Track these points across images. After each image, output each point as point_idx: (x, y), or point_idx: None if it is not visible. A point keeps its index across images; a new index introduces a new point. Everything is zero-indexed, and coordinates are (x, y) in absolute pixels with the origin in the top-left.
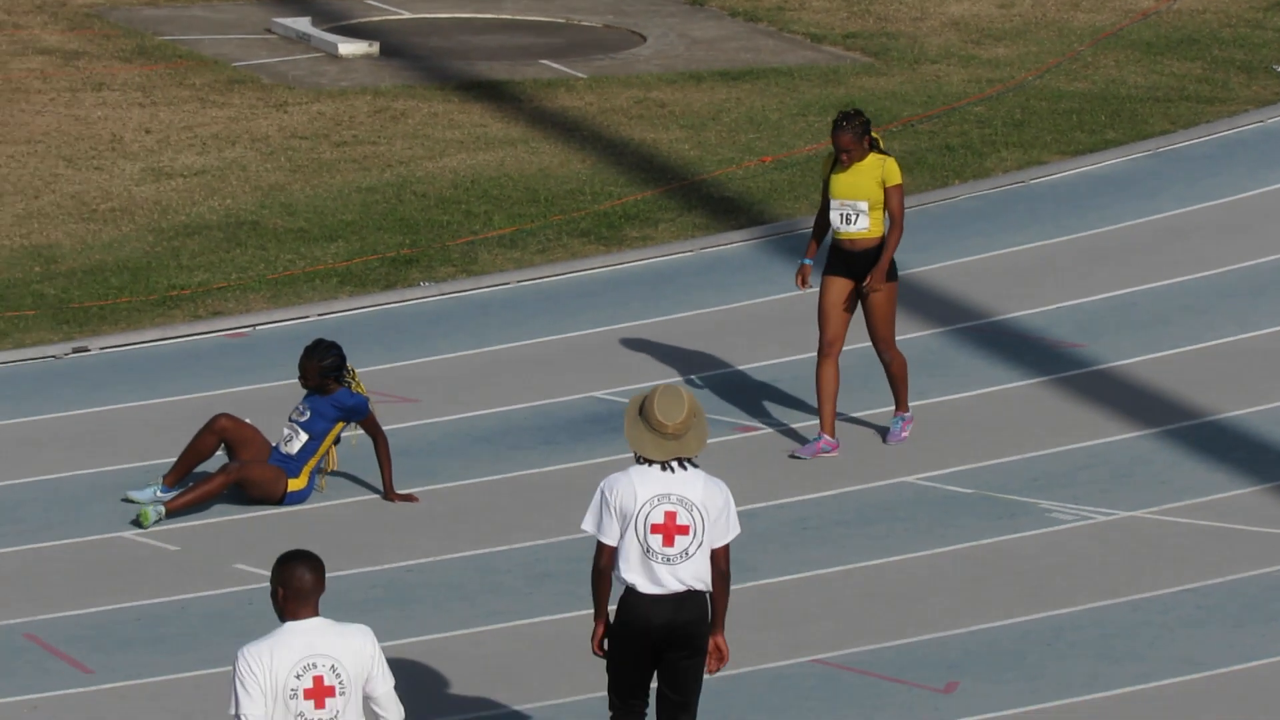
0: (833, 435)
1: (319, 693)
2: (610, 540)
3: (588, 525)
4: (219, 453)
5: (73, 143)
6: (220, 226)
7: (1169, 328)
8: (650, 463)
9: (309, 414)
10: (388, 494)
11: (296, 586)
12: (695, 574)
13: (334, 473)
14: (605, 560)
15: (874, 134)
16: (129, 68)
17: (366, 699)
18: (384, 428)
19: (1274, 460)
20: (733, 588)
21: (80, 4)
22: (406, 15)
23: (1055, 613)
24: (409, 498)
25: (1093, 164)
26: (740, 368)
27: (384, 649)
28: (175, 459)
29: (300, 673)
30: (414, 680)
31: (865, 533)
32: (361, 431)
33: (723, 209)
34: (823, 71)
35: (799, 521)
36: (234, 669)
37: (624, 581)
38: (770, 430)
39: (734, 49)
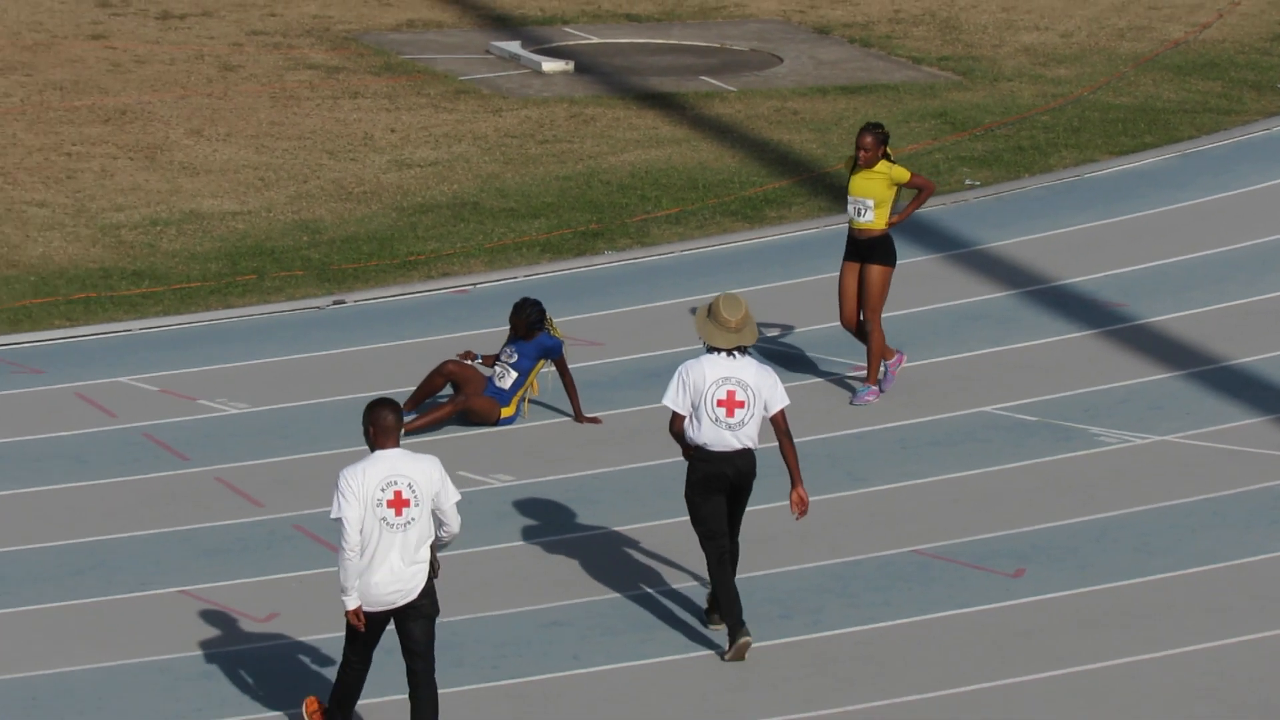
0: (875, 381)
1: (398, 503)
2: (682, 411)
3: (666, 400)
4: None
5: (333, 139)
6: (448, 206)
7: (1194, 291)
8: (717, 351)
9: (516, 356)
10: (577, 417)
11: (382, 425)
12: (749, 437)
13: (535, 400)
14: (678, 426)
15: (888, 149)
16: (378, 80)
17: (435, 511)
18: (572, 365)
19: (1277, 396)
20: (848, 493)
21: (340, 30)
22: (596, 40)
23: (1101, 515)
24: (594, 420)
25: (1134, 162)
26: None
27: (571, 540)
28: (412, 390)
29: (384, 487)
30: (596, 560)
31: (952, 451)
32: (554, 368)
33: (842, 195)
34: (921, 87)
35: (900, 442)
36: (337, 484)
37: (696, 443)
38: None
39: (852, 69)
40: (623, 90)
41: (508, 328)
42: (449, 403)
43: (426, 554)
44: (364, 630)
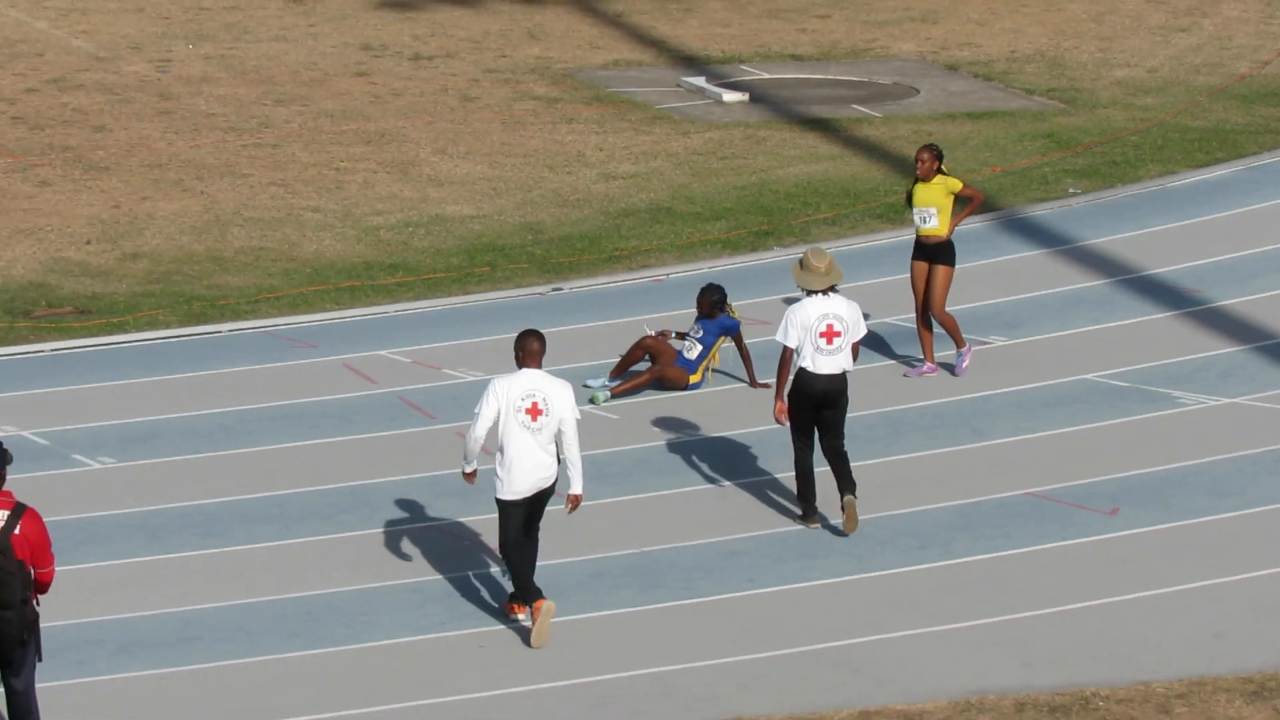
0: (932, 361)
1: (534, 411)
2: (792, 344)
3: (779, 337)
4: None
5: (552, 157)
6: (646, 211)
7: (1259, 280)
8: (813, 293)
9: (701, 332)
10: (751, 383)
11: (529, 349)
12: (843, 361)
13: (717, 370)
14: (787, 356)
15: (943, 166)
16: (589, 109)
17: (558, 431)
18: (747, 340)
19: None
20: (973, 445)
21: (559, 68)
22: (767, 75)
23: (1182, 464)
24: (765, 385)
25: (1208, 174)
26: (987, 302)
27: (747, 484)
28: (617, 361)
29: (525, 397)
30: (767, 500)
31: (1059, 410)
32: (733, 343)
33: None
34: (1032, 113)
35: (1016, 403)
36: (486, 388)
37: (801, 367)
38: (991, 344)
39: (976, 98)
40: (788, 116)
41: (695, 309)
42: (647, 371)
43: (554, 452)
44: (508, 517)
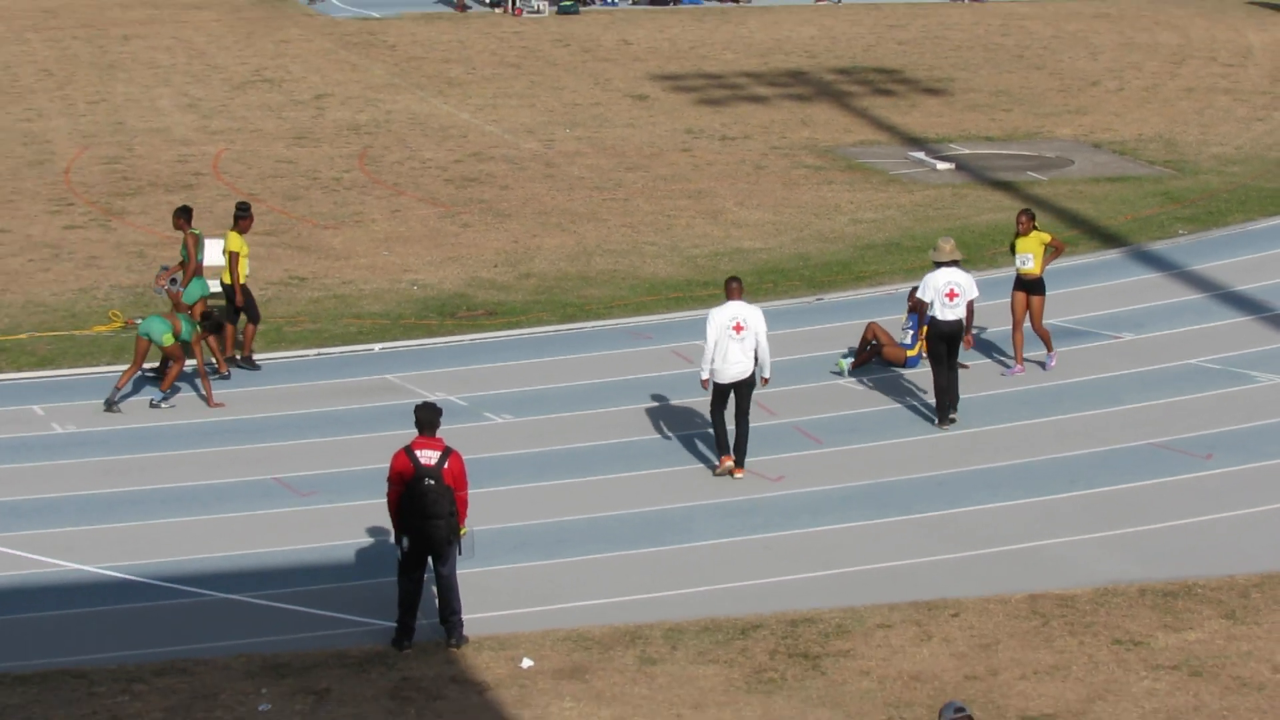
0: (1022, 364)
1: (738, 328)
2: (927, 299)
3: (920, 294)
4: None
5: (817, 207)
6: (883, 246)
7: None
8: (941, 265)
9: (911, 322)
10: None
11: (732, 288)
12: (961, 313)
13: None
14: (923, 309)
15: (1036, 222)
16: (843, 174)
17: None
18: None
19: None
20: (1108, 410)
21: (822, 145)
22: (967, 151)
23: (1258, 423)
24: (964, 366)
25: (1277, 220)
26: (1120, 309)
27: (946, 435)
28: (857, 345)
29: (731, 319)
30: (963, 446)
31: (1171, 385)
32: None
33: (1108, 239)
34: (1153, 178)
35: (1140, 380)
36: (708, 318)
37: (931, 315)
38: (1122, 338)
39: (1113, 167)
40: (981, 180)
41: (907, 305)
42: (871, 350)
43: (752, 356)
44: (718, 395)
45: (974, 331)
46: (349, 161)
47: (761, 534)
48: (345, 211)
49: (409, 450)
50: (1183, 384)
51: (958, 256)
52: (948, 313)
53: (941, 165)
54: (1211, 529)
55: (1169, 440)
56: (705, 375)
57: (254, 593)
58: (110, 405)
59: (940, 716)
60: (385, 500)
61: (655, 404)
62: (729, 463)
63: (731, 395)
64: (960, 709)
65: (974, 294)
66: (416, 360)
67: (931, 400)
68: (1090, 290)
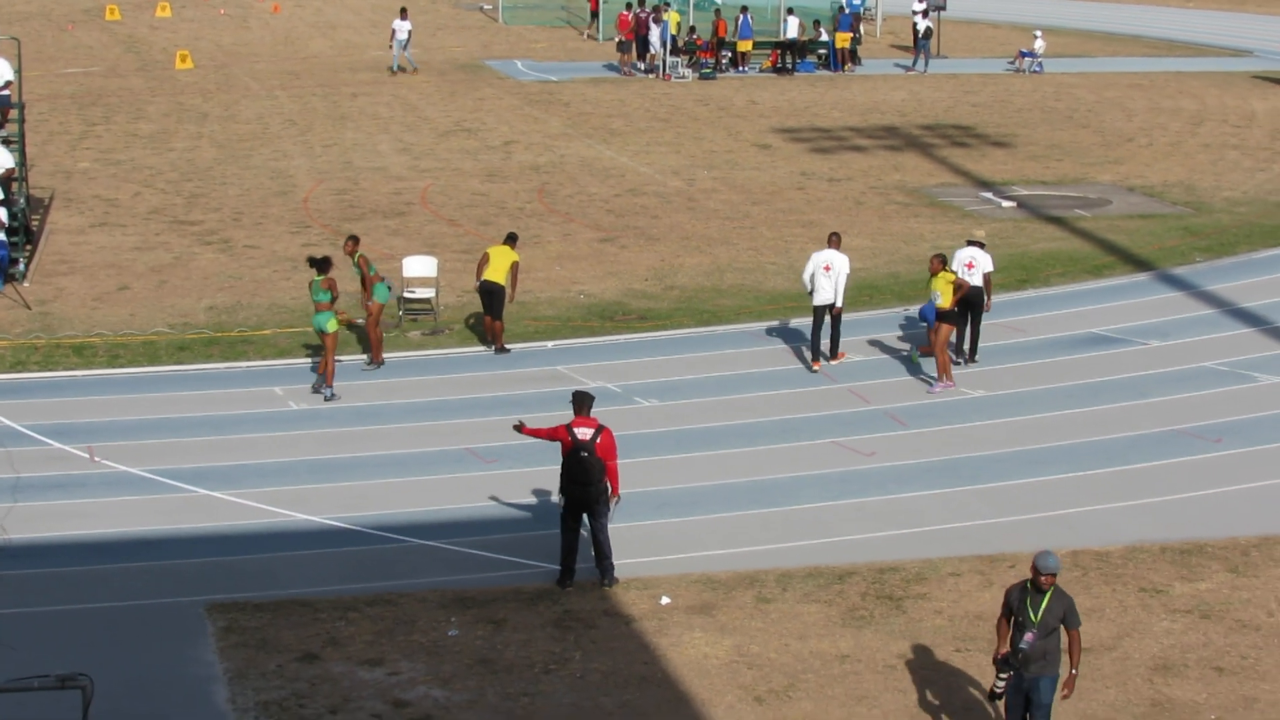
0: (948, 379)
1: (826, 268)
2: (955, 268)
3: (953, 267)
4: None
5: (906, 237)
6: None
7: None
8: (971, 243)
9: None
10: (971, 354)
11: (833, 239)
12: (978, 280)
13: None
14: (957, 281)
15: (946, 265)
16: (927, 209)
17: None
18: (1029, 337)
19: None
20: (1139, 401)
21: (910, 186)
22: (1026, 192)
23: (1260, 414)
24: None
25: (1277, 250)
26: (1147, 322)
27: (999, 425)
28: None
29: (823, 262)
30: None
31: (1188, 383)
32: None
33: (1138, 264)
34: (1176, 215)
35: (1163, 378)
36: (810, 257)
37: (964, 281)
38: (1149, 345)
39: (1144, 206)
40: (1038, 215)
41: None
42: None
43: (837, 289)
44: (815, 316)
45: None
46: (530, 195)
47: (856, 498)
48: (526, 235)
49: (568, 427)
50: (1199, 382)
51: (983, 239)
52: (968, 282)
53: (1006, 203)
54: (1220, 499)
55: (1187, 427)
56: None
57: (447, 540)
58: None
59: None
60: (556, 468)
61: (772, 392)
62: (819, 366)
63: (826, 318)
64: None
65: (988, 268)
66: (581, 355)
67: (970, 394)
68: (1124, 305)
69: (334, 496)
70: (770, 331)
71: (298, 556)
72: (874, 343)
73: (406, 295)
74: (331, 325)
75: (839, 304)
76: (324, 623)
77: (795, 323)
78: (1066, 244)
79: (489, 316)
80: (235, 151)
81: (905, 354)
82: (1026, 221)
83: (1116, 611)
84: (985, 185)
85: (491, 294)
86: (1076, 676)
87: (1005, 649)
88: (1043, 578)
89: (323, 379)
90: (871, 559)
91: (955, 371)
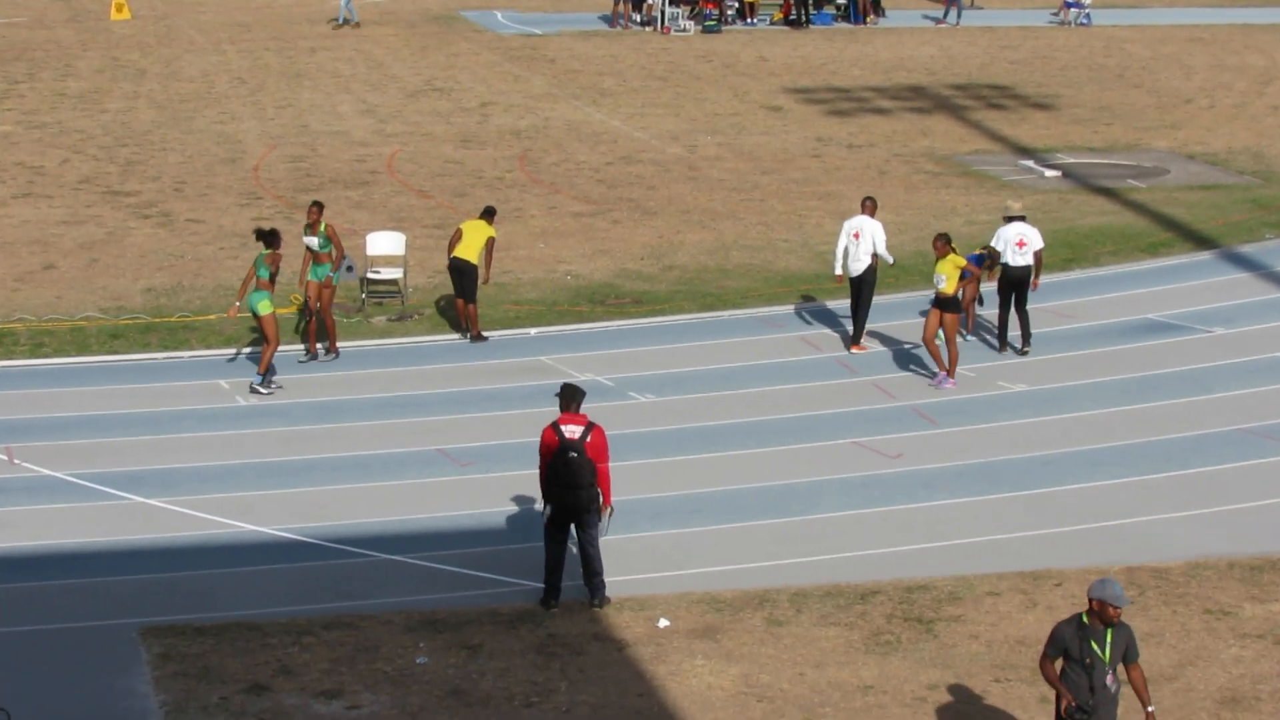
0: (943, 369)
1: (856, 236)
2: (1000, 248)
3: (994, 243)
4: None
5: (935, 210)
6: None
7: None
8: (1012, 219)
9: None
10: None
11: (867, 205)
12: (1029, 260)
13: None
14: (998, 258)
15: (952, 246)
16: (959, 179)
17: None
18: (1065, 325)
19: None
20: (1204, 397)
21: (940, 153)
22: (1072, 160)
23: None
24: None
25: None
26: (1212, 306)
27: (1052, 418)
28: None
29: (853, 229)
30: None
31: (1259, 375)
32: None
33: (1200, 241)
34: (1242, 187)
35: (1232, 371)
36: (842, 226)
37: (1005, 261)
38: (1214, 333)
39: (1205, 176)
40: (1086, 186)
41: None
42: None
43: (867, 255)
44: (852, 282)
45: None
46: (510, 163)
47: (880, 507)
48: (506, 208)
49: (555, 425)
50: (1269, 375)
51: (1024, 214)
52: (1018, 259)
53: (1049, 173)
54: (1255, 473)
55: (1256, 426)
56: (838, 273)
57: (415, 554)
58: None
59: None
60: (537, 472)
61: (784, 386)
62: (859, 349)
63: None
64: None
65: (1040, 244)
66: (568, 343)
67: (1007, 387)
68: (1184, 288)
69: (287, 504)
70: (782, 317)
71: (245, 573)
72: (900, 330)
73: (370, 276)
74: (264, 307)
75: (890, 259)
76: (274, 649)
77: (808, 307)
78: (1118, 218)
79: (460, 299)
80: (177, 113)
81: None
82: (1072, 193)
83: (1178, 636)
84: (1025, 152)
85: (462, 273)
86: (1155, 715)
87: (1072, 697)
88: (1111, 610)
89: (273, 369)
90: (898, 576)
91: (1034, 420)
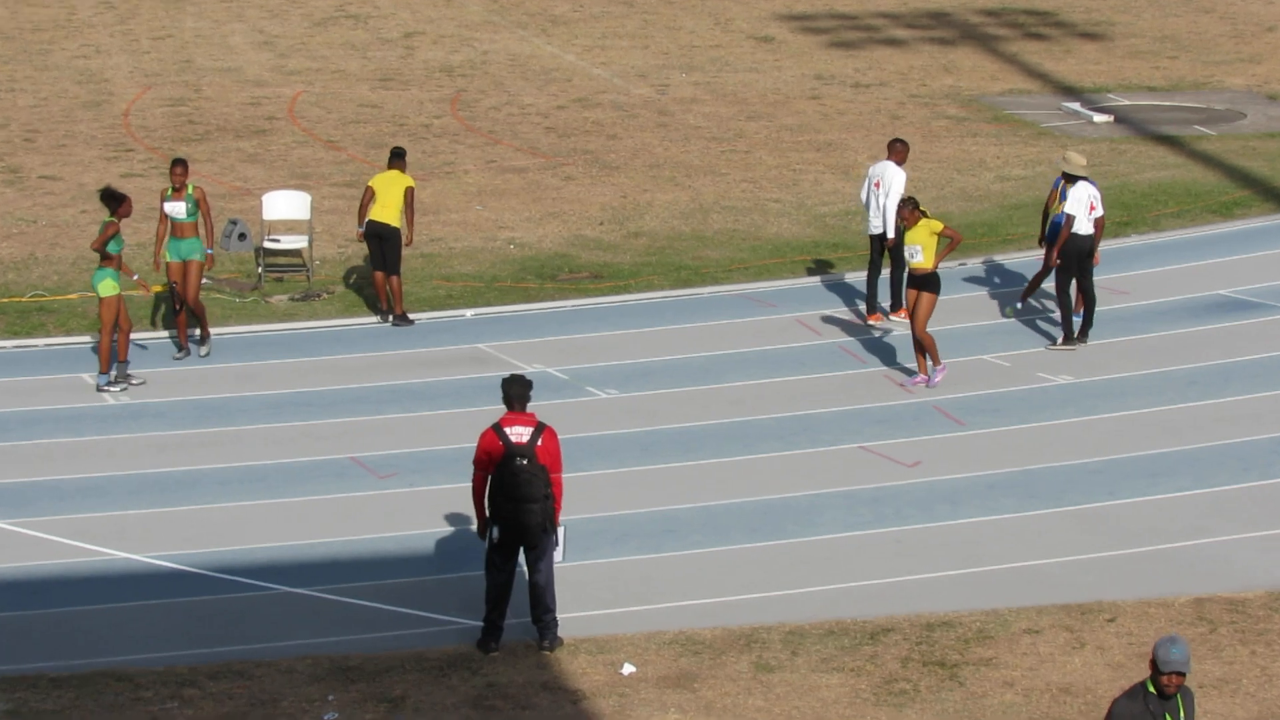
0: (924, 372)
1: (877, 185)
2: (1076, 213)
3: (1071, 208)
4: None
5: (960, 162)
6: (1032, 205)
7: None
8: (1078, 179)
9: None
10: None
11: (897, 148)
12: (1093, 226)
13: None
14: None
15: (924, 210)
16: (989, 126)
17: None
18: (1107, 306)
19: None
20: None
21: (966, 94)
22: (1127, 102)
23: None
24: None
25: None
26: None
27: (1095, 418)
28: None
29: (874, 177)
30: (1118, 430)
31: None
32: None
33: (1278, 199)
34: None
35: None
36: (867, 172)
37: (1076, 230)
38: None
39: None
40: (1143, 134)
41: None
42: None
43: (890, 213)
44: (874, 240)
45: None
46: (440, 107)
47: (894, 526)
48: (435, 162)
49: (498, 428)
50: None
51: (1085, 172)
52: (1087, 226)
53: (1099, 118)
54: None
55: None
56: (872, 231)
57: (323, 586)
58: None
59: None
60: (471, 485)
61: (778, 379)
62: (876, 320)
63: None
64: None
65: (1101, 211)
66: (512, 328)
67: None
68: (1261, 257)
69: (166, 526)
70: (774, 294)
71: (114, 611)
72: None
73: (268, 245)
74: (106, 288)
75: (890, 234)
76: (149, 703)
77: (806, 282)
78: (1183, 173)
79: (380, 272)
80: (27, 46)
81: (1004, 317)
82: (1127, 142)
83: (1258, 683)
84: (1070, 93)
85: (382, 239)
86: None
87: None
88: (1164, 677)
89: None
90: (915, 610)
91: (1083, 419)
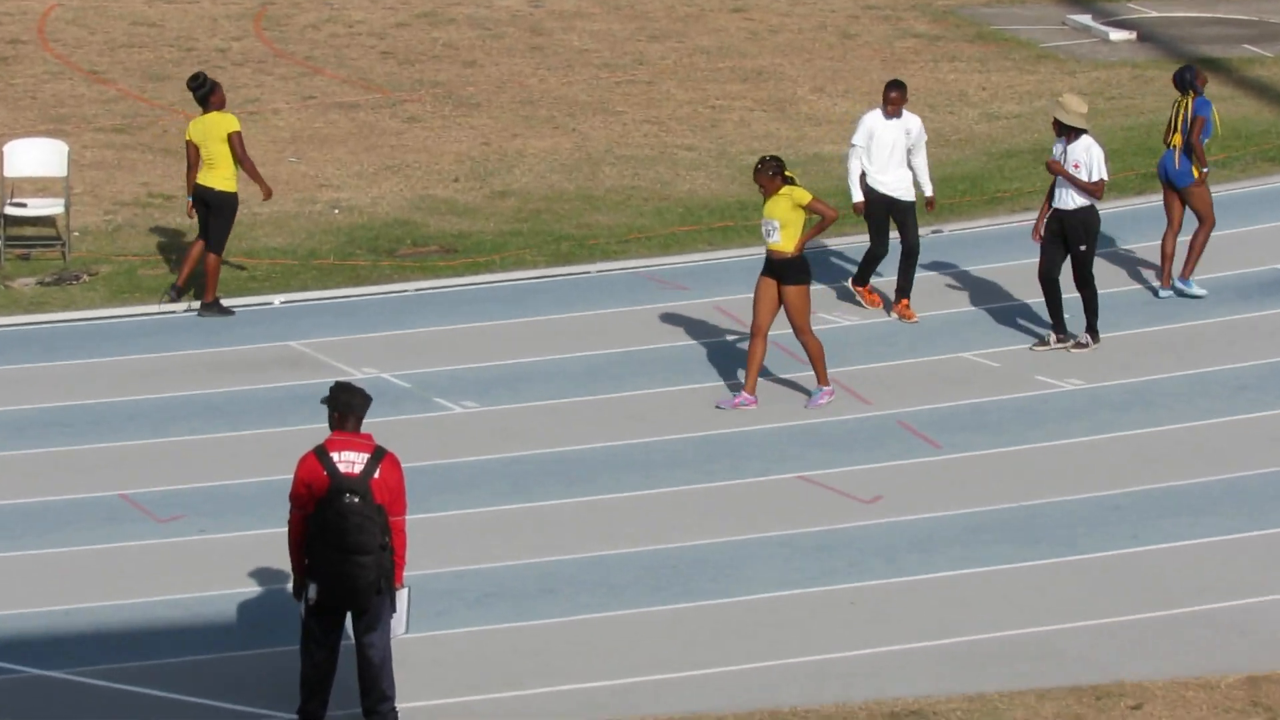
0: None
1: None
2: (1096, 178)
3: (1102, 173)
4: None
5: (934, 96)
6: (1030, 151)
7: None
8: (1079, 132)
9: None
10: None
11: (893, 97)
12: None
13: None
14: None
15: (789, 174)
16: (972, 47)
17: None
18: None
19: None
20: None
21: (941, 4)
22: (1155, 14)
23: None
24: None
25: None
26: None
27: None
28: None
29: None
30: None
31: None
32: None
33: None
34: None
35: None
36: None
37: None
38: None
39: None
40: (1178, 56)
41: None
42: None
43: (905, 161)
44: (876, 200)
45: None
46: (240, 25)
47: (847, 582)
48: (235, 98)
49: (321, 453)
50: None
51: (1083, 121)
52: (1081, 198)
53: (1117, 35)
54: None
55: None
56: (858, 199)
57: (81, 668)
58: None
59: None
60: (286, 529)
61: (690, 387)
62: (864, 295)
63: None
64: None
65: (1103, 173)
66: (336, 320)
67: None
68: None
69: None
70: (684, 273)
71: None
72: (881, 292)
73: (10, 212)
74: None
75: (857, 198)
76: None
77: (727, 256)
78: (1227, 108)
79: (202, 240)
80: None
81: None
82: (1154, 67)
83: None
84: (1077, 1)
85: (209, 206)
86: None
87: None
88: None
89: None
90: (875, 695)
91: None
